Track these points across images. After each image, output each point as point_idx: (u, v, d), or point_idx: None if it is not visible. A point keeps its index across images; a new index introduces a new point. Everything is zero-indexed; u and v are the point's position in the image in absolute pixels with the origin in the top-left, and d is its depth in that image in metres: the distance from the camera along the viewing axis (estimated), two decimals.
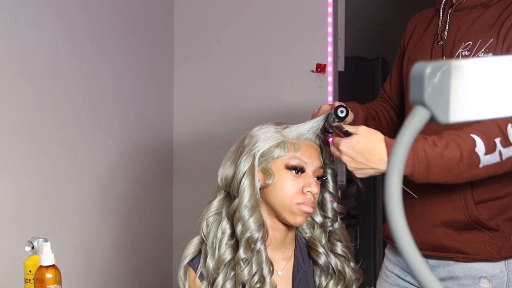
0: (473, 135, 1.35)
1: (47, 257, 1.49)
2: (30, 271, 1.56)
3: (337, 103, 1.53)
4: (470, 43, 1.52)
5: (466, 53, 1.52)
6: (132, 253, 2.88)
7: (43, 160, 2.29)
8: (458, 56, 1.53)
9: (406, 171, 1.34)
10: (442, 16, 1.61)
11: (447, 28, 1.59)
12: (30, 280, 1.56)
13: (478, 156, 1.35)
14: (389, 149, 1.33)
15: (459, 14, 1.58)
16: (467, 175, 1.38)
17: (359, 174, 1.37)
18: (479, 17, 1.54)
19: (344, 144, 1.34)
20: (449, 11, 1.60)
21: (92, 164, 2.58)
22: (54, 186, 2.35)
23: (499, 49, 1.47)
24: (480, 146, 1.35)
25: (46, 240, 1.55)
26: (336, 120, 1.46)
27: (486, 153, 1.35)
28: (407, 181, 1.50)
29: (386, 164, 1.33)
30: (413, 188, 1.57)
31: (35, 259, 1.56)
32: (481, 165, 1.36)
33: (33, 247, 1.59)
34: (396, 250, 1.70)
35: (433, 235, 1.56)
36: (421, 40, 1.66)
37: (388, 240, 1.73)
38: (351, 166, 1.35)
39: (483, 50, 1.50)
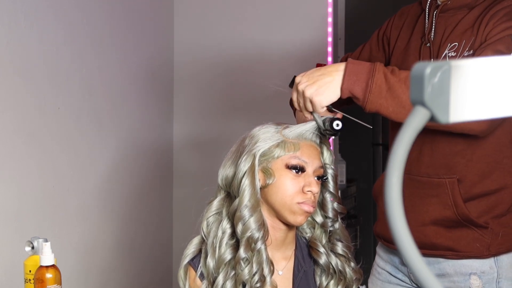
0: None
1: (47, 257, 1.49)
2: (30, 271, 1.56)
3: (326, 107, 1.54)
4: (455, 44, 1.53)
5: (453, 54, 1.53)
6: (132, 253, 2.88)
7: (43, 160, 2.29)
8: (444, 58, 1.54)
9: (357, 87, 1.38)
10: (428, 17, 1.61)
11: (433, 29, 1.59)
12: (30, 280, 1.56)
13: None
14: (348, 64, 1.39)
15: (444, 15, 1.59)
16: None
17: (317, 93, 1.39)
18: (463, 18, 1.55)
19: (299, 75, 1.40)
20: (435, 12, 1.60)
21: (92, 164, 2.58)
22: (54, 186, 2.35)
23: (478, 43, 1.48)
24: None
25: (46, 240, 1.55)
26: (330, 131, 1.45)
27: None
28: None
29: (343, 75, 1.38)
30: (402, 189, 1.57)
31: (35, 259, 1.56)
32: None
33: (33, 247, 1.58)
34: (387, 248, 1.71)
35: (423, 233, 1.57)
36: (409, 41, 1.66)
37: (379, 238, 1.75)
38: (308, 87, 1.39)
39: (467, 50, 1.51)
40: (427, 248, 1.57)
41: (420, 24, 1.64)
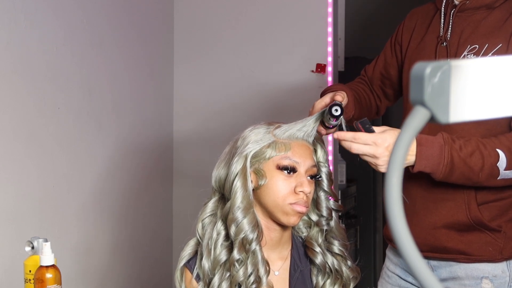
0: (498, 150, 1.41)
1: (47, 257, 1.49)
2: (30, 271, 1.56)
3: (330, 97, 1.54)
4: (476, 47, 1.51)
5: (472, 56, 1.52)
6: (131, 253, 2.88)
7: (43, 160, 2.29)
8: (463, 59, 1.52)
9: (428, 168, 1.41)
10: (445, 17, 1.60)
11: (450, 29, 1.58)
12: (30, 280, 1.56)
13: (498, 170, 1.41)
14: (418, 146, 1.41)
15: (462, 15, 1.57)
16: (484, 184, 1.45)
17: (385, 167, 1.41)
18: (484, 19, 1.53)
19: (380, 139, 1.39)
20: (452, 11, 1.59)
21: (91, 164, 2.58)
22: (54, 186, 2.35)
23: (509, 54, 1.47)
24: (502, 162, 1.40)
25: (46, 240, 1.55)
26: (331, 118, 1.46)
27: (507, 168, 1.41)
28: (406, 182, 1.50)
29: (415, 159, 1.41)
30: (414, 190, 1.57)
31: (35, 259, 1.56)
32: (499, 178, 1.42)
33: (33, 247, 1.59)
34: (397, 251, 1.69)
35: (434, 236, 1.56)
36: (423, 41, 1.65)
37: (389, 241, 1.73)
38: (385, 158, 1.39)
39: (490, 54, 1.49)
40: (439, 252, 1.57)
41: (436, 24, 1.62)
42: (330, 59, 2.97)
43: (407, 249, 0.54)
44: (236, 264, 1.43)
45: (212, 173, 1.52)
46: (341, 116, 1.46)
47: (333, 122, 1.48)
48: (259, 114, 3.00)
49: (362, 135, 1.41)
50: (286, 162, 1.44)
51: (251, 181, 1.45)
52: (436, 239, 1.56)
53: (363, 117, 1.48)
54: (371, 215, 4.17)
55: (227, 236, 1.47)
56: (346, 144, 1.42)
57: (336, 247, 1.54)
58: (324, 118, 1.49)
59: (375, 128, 1.41)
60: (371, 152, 1.39)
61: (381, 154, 1.38)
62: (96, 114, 2.60)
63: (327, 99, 1.55)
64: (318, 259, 1.51)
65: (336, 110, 1.45)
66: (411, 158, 1.40)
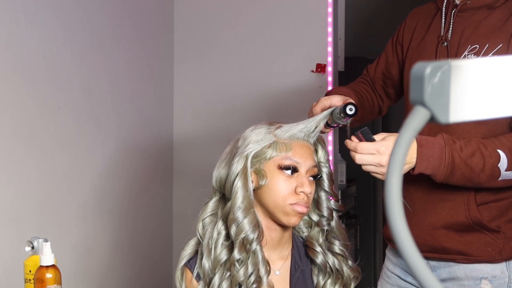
0: (499, 150, 1.40)
1: (47, 257, 1.49)
2: (30, 271, 1.56)
3: (340, 99, 1.53)
4: (476, 47, 1.51)
5: (473, 57, 1.51)
6: (131, 253, 2.88)
7: (43, 160, 2.29)
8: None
9: (429, 170, 1.41)
10: (445, 17, 1.60)
11: (450, 29, 1.58)
12: (30, 280, 1.56)
13: (499, 170, 1.41)
14: (419, 148, 1.40)
15: (463, 15, 1.57)
16: (485, 185, 1.45)
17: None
18: (485, 19, 1.53)
19: (383, 146, 1.37)
20: (453, 11, 1.58)
21: (91, 164, 2.58)
22: (53, 186, 2.35)
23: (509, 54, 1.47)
24: (503, 162, 1.40)
25: (46, 240, 1.55)
26: (343, 117, 1.45)
27: (507, 169, 1.41)
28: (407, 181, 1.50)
29: (415, 161, 1.40)
30: (413, 190, 1.57)
31: (35, 259, 1.56)
32: (499, 179, 1.42)
33: (33, 247, 1.59)
34: (397, 251, 1.69)
35: (434, 237, 1.56)
36: (423, 41, 1.64)
37: (389, 241, 1.73)
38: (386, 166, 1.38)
39: (491, 54, 1.49)
40: (438, 252, 1.56)
41: (436, 23, 1.62)
42: (330, 59, 2.97)
43: (407, 249, 0.54)
44: (237, 264, 1.44)
45: (212, 173, 1.52)
46: (352, 117, 1.45)
47: (343, 121, 1.47)
48: (259, 114, 3.00)
49: (364, 145, 1.39)
50: (287, 162, 1.44)
51: (252, 181, 1.45)
52: (436, 240, 1.56)
53: (364, 126, 1.47)
54: (371, 215, 4.17)
55: (228, 236, 1.47)
56: (351, 154, 1.42)
57: (337, 247, 1.54)
58: (332, 117, 1.48)
59: (374, 136, 1.40)
60: (376, 161, 1.38)
61: (386, 162, 1.37)
62: (96, 114, 2.60)
63: (333, 99, 1.55)
64: (319, 259, 1.51)
65: (351, 109, 1.44)
66: (412, 161, 1.39)
